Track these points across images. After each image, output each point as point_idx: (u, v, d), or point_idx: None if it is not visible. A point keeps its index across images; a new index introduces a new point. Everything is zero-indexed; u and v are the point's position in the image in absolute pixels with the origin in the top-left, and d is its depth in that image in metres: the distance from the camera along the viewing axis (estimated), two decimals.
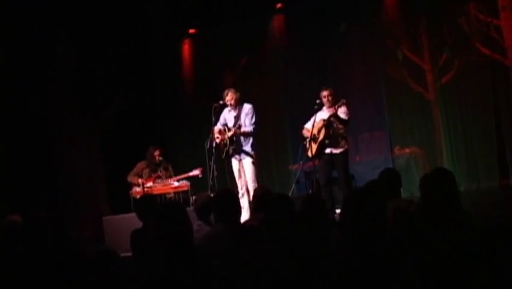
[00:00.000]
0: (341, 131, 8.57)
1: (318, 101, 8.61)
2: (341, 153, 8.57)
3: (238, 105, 8.81)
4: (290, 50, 12.68)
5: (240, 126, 8.69)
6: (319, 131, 8.57)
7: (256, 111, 8.83)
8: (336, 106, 8.39)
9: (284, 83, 12.79)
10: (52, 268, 4.22)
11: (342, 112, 8.47)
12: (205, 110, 9.93)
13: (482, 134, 11.25)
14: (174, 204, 4.13)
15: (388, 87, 11.91)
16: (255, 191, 6.81)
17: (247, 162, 8.68)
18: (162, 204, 6.97)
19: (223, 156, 8.85)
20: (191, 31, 13.31)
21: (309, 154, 8.70)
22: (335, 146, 8.57)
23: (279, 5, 12.52)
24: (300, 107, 11.23)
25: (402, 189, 5.89)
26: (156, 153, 9.96)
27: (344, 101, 8.43)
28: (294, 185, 9.76)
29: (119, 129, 12.69)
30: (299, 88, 12.22)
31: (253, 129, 8.70)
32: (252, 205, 6.37)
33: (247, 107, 8.78)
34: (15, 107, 11.23)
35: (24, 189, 10.84)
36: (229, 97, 8.78)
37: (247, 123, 8.70)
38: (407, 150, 11.79)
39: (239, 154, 8.73)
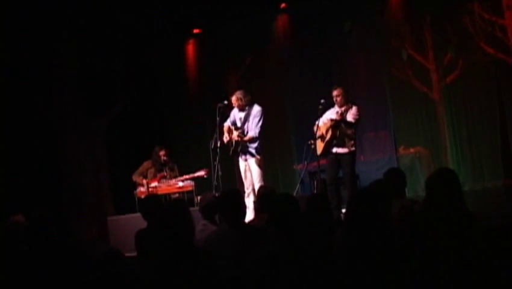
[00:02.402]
0: (348, 132, 8.55)
1: (322, 101, 8.63)
2: (347, 153, 8.56)
3: (248, 106, 8.81)
4: (294, 50, 12.68)
5: (243, 132, 8.70)
6: (327, 130, 8.58)
7: (264, 114, 8.83)
8: (343, 110, 8.38)
9: (288, 83, 12.78)
10: (56, 268, 4.23)
11: (351, 114, 8.45)
12: (210, 110, 9.95)
13: (487, 133, 11.23)
14: (177, 202, 4.12)
15: (392, 86, 11.90)
16: (258, 190, 6.81)
17: (254, 162, 8.69)
18: (168, 202, 6.98)
19: (231, 153, 8.88)
20: (196, 30, 13.31)
21: (318, 152, 8.72)
22: (342, 146, 8.57)
23: (283, 5, 12.51)
24: (304, 107, 11.25)
25: (406, 189, 5.88)
26: (162, 153, 9.96)
27: (346, 107, 8.41)
28: (298, 185, 9.74)
29: (123, 129, 12.71)
30: (303, 88, 12.22)
31: (259, 132, 8.70)
32: (256, 204, 6.38)
33: (256, 109, 8.78)
34: (20, 107, 11.25)
35: (28, 189, 10.85)
36: (233, 102, 8.81)
37: (253, 126, 8.70)
38: (412, 150, 11.78)
39: (245, 154, 8.74)
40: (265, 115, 8.86)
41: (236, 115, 8.91)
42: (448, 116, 11.55)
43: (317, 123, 8.86)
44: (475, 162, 11.35)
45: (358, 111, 8.54)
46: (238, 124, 8.80)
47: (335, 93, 8.60)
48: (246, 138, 8.68)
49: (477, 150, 11.36)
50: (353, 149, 8.62)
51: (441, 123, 11.63)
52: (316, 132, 8.75)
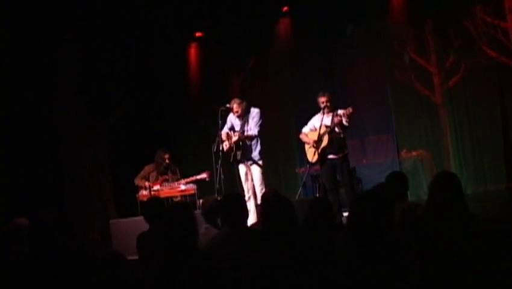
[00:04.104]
0: (342, 136, 8.53)
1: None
2: (342, 157, 8.53)
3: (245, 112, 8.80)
4: (297, 53, 12.69)
5: (243, 131, 8.69)
6: (321, 137, 8.48)
7: (263, 115, 8.82)
8: (343, 113, 8.32)
9: (291, 86, 12.79)
10: (59, 271, 4.23)
11: (344, 118, 8.40)
12: (212, 113, 9.95)
13: (489, 137, 11.21)
14: (182, 205, 4.12)
15: (394, 89, 11.90)
16: (264, 194, 6.80)
17: (255, 166, 8.68)
18: (170, 205, 6.95)
19: (231, 160, 8.85)
20: (198, 34, 13.34)
21: (312, 160, 8.65)
22: (337, 153, 8.51)
23: (285, 8, 12.54)
24: (306, 110, 11.22)
25: (408, 192, 5.88)
26: (166, 156, 9.94)
27: (351, 109, 8.32)
28: (300, 188, 9.75)
29: (126, 132, 12.72)
30: (305, 91, 12.21)
31: (258, 132, 8.68)
32: (260, 207, 6.35)
33: (254, 111, 8.77)
34: (23, 109, 11.26)
35: (31, 191, 10.86)
36: (235, 109, 8.76)
37: (252, 126, 8.69)
38: (414, 153, 11.77)
39: (247, 160, 8.72)
40: (263, 116, 8.85)
41: (233, 120, 8.89)
42: (450, 119, 11.54)
43: (303, 131, 8.84)
44: (477, 165, 11.34)
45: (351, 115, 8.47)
46: (237, 129, 8.79)
47: (324, 98, 8.47)
48: (245, 135, 8.66)
49: (479, 153, 11.34)
50: (346, 152, 8.59)
51: (443, 126, 11.62)
52: (304, 140, 8.74)
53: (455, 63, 11.34)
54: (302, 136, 8.86)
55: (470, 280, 3.79)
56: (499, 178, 11.05)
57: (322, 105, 8.49)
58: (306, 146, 8.77)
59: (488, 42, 10.94)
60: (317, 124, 8.53)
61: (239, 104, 8.77)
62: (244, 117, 8.77)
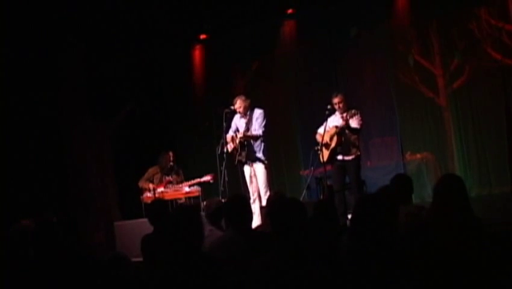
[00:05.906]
0: (352, 138, 8.59)
1: (329, 106, 8.64)
2: (353, 159, 8.59)
3: (249, 111, 8.83)
4: (301, 55, 12.67)
5: (248, 129, 8.72)
6: (331, 138, 8.58)
7: (267, 116, 8.86)
8: (348, 117, 8.37)
9: (295, 88, 12.78)
10: (63, 273, 4.24)
11: (355, 120, 8.45)
12: (216, 116, 9.96)
13: (494, 139, 11.16)
14: (188, 207, 4.13)
15: (399, 92, 11.86)
16: (270, 196, 6.82)
17: (260, 167, 8.70)
18: (177, 207, 6.98)
19: (236, 162, 8.87)
20: (202, 36, 13.32)
21: (321, 160, 8.72)
22: (347, 154, 8.59)
23: (290, 11, 12.52)
24: (311, 112, 11.25)
25: (413, 195, 5.87)
26: (171, 154, 9.97)
27: (353, 111, 8.38)
28: (305, 190, 9.75)
29: (130, 134, 12.73)
30: (309, 94, 12.24)
31: (263, 132, 8.72)
32: (266, 210, 6.37)
33: (257, 112, 8.82)
34: (27, 111, 11.28)
35: (35, 194, 10.88)
36: (238, 105, 8.82)
37: (256, 127, 8.73)
38: (418, 156, 11.73)
39: (252, 160, 8.74)
40: (268, 117, 8.88)
41: (238, 122, 8.93)
42: (455, 122, 11.50)
43: (318, 131, 8.89)
44: (482, 167, 11.29)
45: (362, 117, 8.56)
46: (241, 130, 8.82)
47: (336, 100, 8.61)
48: (249, 134, 8.69)
49: (484, 155, 11.29)
50: (358, 153, 8.65)
51: (448, 128, 11.58)
52: (319, 140, 8.78)
53: (460, 65, 11.30)
54: (317, 136, 8.92)
55: (474, 283, 3.78)
56: (504, 180, 10.99)
57: (335, 106, 8.58)
58: (319, 147, 8.83)
59: (492, 44, 10.91)
60: (330, 124, 8.62)
61: (243, 100, 8.82)
62: (247, 116, 8.80)
